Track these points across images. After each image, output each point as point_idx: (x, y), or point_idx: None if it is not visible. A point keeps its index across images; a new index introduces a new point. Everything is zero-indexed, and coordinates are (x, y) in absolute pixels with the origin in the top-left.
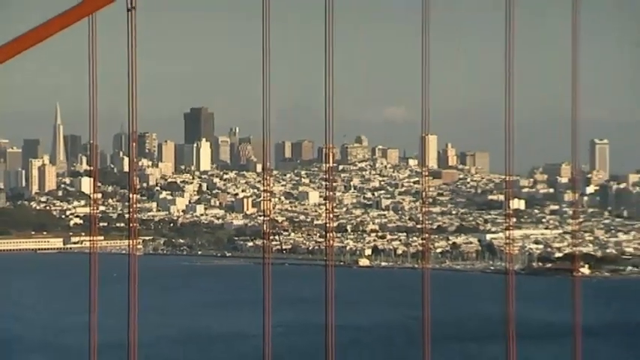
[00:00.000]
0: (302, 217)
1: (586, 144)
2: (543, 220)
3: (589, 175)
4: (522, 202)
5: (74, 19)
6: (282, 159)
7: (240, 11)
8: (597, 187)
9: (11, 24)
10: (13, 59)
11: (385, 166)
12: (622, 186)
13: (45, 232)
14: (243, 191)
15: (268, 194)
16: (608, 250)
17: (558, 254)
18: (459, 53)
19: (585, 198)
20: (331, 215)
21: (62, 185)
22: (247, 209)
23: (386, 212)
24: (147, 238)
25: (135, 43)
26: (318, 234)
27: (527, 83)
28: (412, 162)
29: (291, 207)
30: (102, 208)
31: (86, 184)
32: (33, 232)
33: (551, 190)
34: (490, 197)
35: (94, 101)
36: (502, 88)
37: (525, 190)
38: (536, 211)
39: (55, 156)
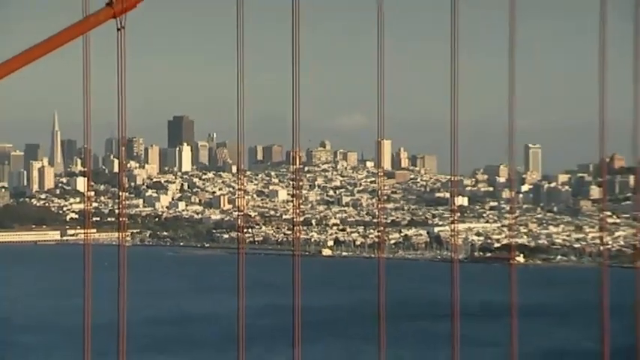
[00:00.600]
0: (272, 213)
1: (521, 148)
2: (484, 214)
3: (524, 176)
4: (465, 199)
5: (69, 38)
6: (254, 161)
7: (220, 30)
8: (531, 186)
9: (10, 23)
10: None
11: (345, 168)
12: (552, 185)
13: (44, 226)
14: (220, 190)
15: (242, 192)
16: (540, 241)
17: (497, 245)
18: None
19: (520, 195)
20: (298, 211)
21: (59, 184)
22: (224, 205)
23: (346, 208)
24: (134, 231)
25: (124, 61)
26: (286, 227)
27: (472, 92)
28: (369, 164)
29: (262, 203)
30: (95, 204)
31: (81, 184)
32: (33, 226)
33: (491, 189)
34: (437, 195)
35: (88, 110)
36: (449, 97)
37: (468, 188)
38: (477, 207)
39: (53, 158)
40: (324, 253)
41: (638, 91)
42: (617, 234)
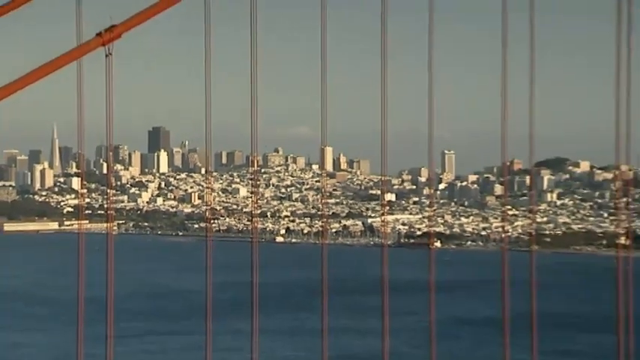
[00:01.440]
0: (234, 207)
1: (438, 154)
2: (408, 208)
3: (440, 176)
4: (393, 195)
5: (64, 63)
6: (219, 164)
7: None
8: (446, 185)
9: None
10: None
11: (295, 170)
12: (464, 184)
13: (45, 218)
14: (191, 188)
15: (210, 190)
16: (454, 230)
17: (419, 232)
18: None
19: (438, 192)
20: (255, 205)
21: (57, 183)
22: (194, 201)
23: (295, 203)
24: (120, 222)
25: (111, 82)
26: (246, 218)
27: (400, 105)
28: (315, 167)
29: (226, 199)
30: (87, 200)
31: (75, 183)
32: (36, 218)
33: (414, 187)
34: (370, 192)
35: (81, 123)
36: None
37: (395, 186)
38: (403, 201)
39: (52, 162)
40: (277, 240)
41: (532, 103)
42: (515, 224)
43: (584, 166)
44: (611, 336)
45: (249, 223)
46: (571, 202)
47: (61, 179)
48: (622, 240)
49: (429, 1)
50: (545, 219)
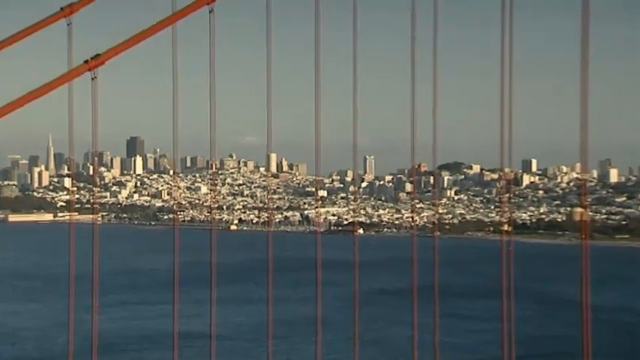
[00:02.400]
0: (196, 201)
1: (361, 158)
2: (336, 202)
3: (363, 177)
4: (325, 192)
5: (58, 85)
6: (185, 167)
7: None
8: (367, 183)
9: (10, 23)
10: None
11: (246, 171)
12: (381, 183)
13: (42, 210)
14: (161, 186)
15: (177, 187)
16: (373, 219)
17: (345, 222)
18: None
19: (360, 189)
20: (214, 200)
21: (52, 183)
22: (164, 196)
23: (246, 198)
24: (103, 213)
25: (96, 101)
26: (206, 211)
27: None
28: (262, 169)
29: (190, 195)
30: (77, 196)
31: (67, 182)
32: (35, 211)
33: (342, 185)
34: (307, 189)
35: (71, 133)
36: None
37: (327, 185)
38: (332, 197)
39: (48, 165)
40: (231, 228)
41: (436, 112)
42: (422, 214)
43: (476, 168)
44: (496, 302)
45: (208, 214)
46: (465, 197)
47: (55, 179)
48: (505, 227)
49: (354, 18)
50: (445, 210)
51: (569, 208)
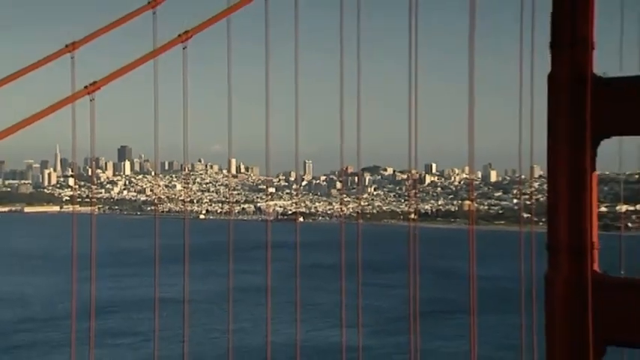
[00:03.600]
0: (173, 196)
1: (302, 162)
2: (283, 197)
3: (303, 177)
4: (273, 188)
5: (60, 107)
6: (163, 169)
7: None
8: (307, 182)
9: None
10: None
11: (212, 173)
12: (317, 182)
13: (50, 203)
14: (145, 184)
15: (157, 185)
16: (311, 210)
17: (290, 212)
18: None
19: (301, 187)
20: (186, 195)
21: (59, 182)
22: (147, 192)
23: (212, 194)
24: (99, 206)
25: (94, 119)
26: (180, 204)
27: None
28: (225, 171)
29: (168, 191)
30: (78, 192)
31: (71, 181)
32: (45, 204)
33: (286, 183)
34: (260, 187)
35: (74, 142)
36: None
37: (275, 183)
38: (280, 192)
39: (56, 168)
40: (200, 217)
41: (360, 119)
42: (349, 206)
43: (390, 170)
44: (405, 273)
45: (182, 206)
46: (382, 192)
47: (62, 179)
48: (412, 215)
49: (295, 40)
50: (366, 203)
51: (460, 201)
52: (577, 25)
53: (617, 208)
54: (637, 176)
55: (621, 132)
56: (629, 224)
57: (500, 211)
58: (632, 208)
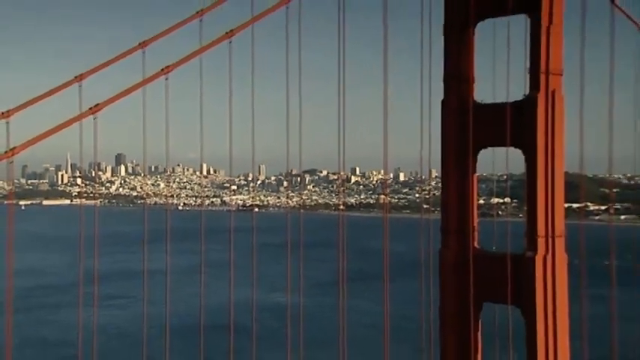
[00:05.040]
0: (158, 192)
1: (257, 166)
2: (242, 192)
3: (258, 177)
4: (235, 186)
5: (71, 123)
6: (150, 171)
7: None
8: (261, 181)
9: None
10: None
11: (189, 174)
12: (269, 181)
13: (63, 198)
14: (136, 183)
15: (146, 184)
16: (264, 203)
17: (248, 204)
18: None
19: (257, 184)
20: (167, 191)
21: (69, 181)
22: (138, 189)
23: (189, 190)
24: (100, 200)
25: (97, 134)
26: (164, 198)
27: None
28: (198, 173)
29: (154, 188)
30: (84, 189)
31: (79, 181)
32: (58, 198)
33: (246, 182)
34: (225, 185)
35: (82, 151)
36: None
37: (237, 182)
38: (240, 189)
39: (67, 170)
40: (179, 209)
41: (301, 133)
42: (294, 199)
43: (324, 172)
44: (334, 251)
45: (165, 200)
46: (318, 189)
47: (71, 179)
48: (341, 207)
49: (251, 54)
50: (307, 197)
51: (377, 195)
52: (462, 64)
53: (491, 200)
54: (505, 177)
55: (493, 144)
56: (500, 212)
57: (407, 203)
58: (501, 200)
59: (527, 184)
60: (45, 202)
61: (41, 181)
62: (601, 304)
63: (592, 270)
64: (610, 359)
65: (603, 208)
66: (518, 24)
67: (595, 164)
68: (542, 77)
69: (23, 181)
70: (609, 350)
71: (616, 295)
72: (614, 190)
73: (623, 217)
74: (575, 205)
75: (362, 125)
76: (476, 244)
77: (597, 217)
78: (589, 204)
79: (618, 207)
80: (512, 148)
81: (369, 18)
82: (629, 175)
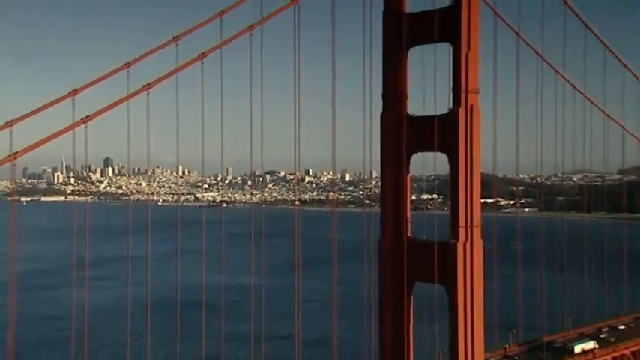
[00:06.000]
0: (140, 190)
1: (225, 167)
2: (212, 191)
3: (226, 177)
4: (207, 185)
5: (65, 132)
6: (134, 172)
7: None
8: (228, 181)
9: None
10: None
11: (167, 175)
12: (234, 181)
13: (58, 195)
14: (122, 183)
15: (130, 183)
16: (237, 199)
17: (218, 200)
18: None
19: (225, 184)
20: (149, 190)
21: (64, 181)
22: (124, 188)
23: (167, 188)
24: (91, 197)
25: (87, 140)
26: (146, 195)
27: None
28: (174, 174)
29: (137, 187)
30: (77, 188)
31: (72, 180)
32: (55, 195)
33: (215, 182)
34: (197, 184)
35: (74, 155)
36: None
37: (208, 181)
38: (211, 188)
39: (62, 171)
40: (159, 204)
41: (262, 140)
42: (256, 196)
43: (282, 173)
44: (291, 239)
45: (146, 197)
46: (277, 188)
47: (66, 179)
48: (296, 202)
49: (220, 70)
50: (267, 194)
51: (326, 193)
52: (398, 83)
53: (422, 196)
54: (432, 177)
55: (423, 150)
56: (429, 207)
57: (352, 199)
58: (430, 197)
59: (450, 183)
60: (43, 199)
61: (40, 180)
62: (509, 281)
63: (502, 253)
64: (516, 325)
65: (511, 202)
66: (444, 50)
67: (505, 167)
68: (463, 95)
69: (24, 180)
70: (515, 317)
71: (521, 274)
72: (520, 188)
73: (527, 210)
74: (489, 201)
75: (314, 133)
76: (409, 233)
77: (507, 210)
78: (500, 199)
79: (523, 202)
80: (438, 153)
81: (323, 42)
82: (532, 175)
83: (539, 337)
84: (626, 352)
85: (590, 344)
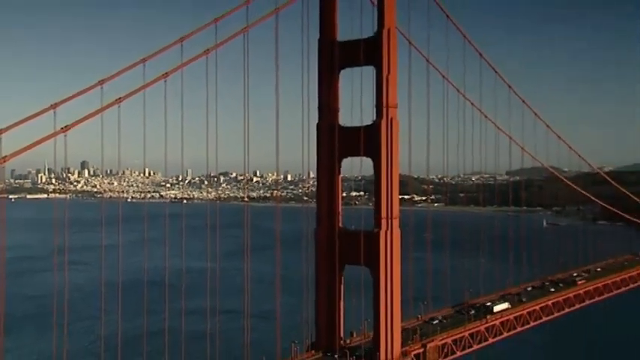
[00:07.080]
0: (112, 189)
1: (185, 169)
2: (174, 189)
3: (186, 177)
4: (169, 184)
5: (49, 138)
6: (107, 174)
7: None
8: (189, 180)
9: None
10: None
11: (135, 175)
12: (194, 180)
13: (41, 193)
14: (96, 182)
15: (103, 182)
16: (191, 196)
17: (179, 197)
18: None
19: (185, 183)
20: (120, 188)
21: (47, 181)
22: (99, 186)
23: (135, 187)
24: (70, 195)
25: (66, 146)
26: (117, 193)
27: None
28: (141, 174)
29: (109, 186)
30: (57, 187)
31: (54, 181)
32: (38, 193)
33: (177, 181)
34: (161, 183)
35: (55, 158)
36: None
37: (170, 181)
38: (173, 187)
39: (45, 173)
40: (128, 200)
41: (217, 145)
42: (211, 194)
43: (234, 174)
44: (241, 230)
45: (118, 194)
46: (230, 187)
47: (48, 179)
48: (246, 198)
49: (209, 83)
50: (221, 192)
51: (271, 191)
52: (331, 98)
53: (351, 193)
54: (360, 177)
55: (352, 155)
56: (357, 202)
57: (293, 196)
58: (358, 194)
59: (374, 182)
60: (28, 196)
61: (25, 180)
62: (421, 263)
63: (416, 240)
64: (426, 298)
65: (423, 198)
66: (369, 72)
67: (418, 168)
68: (384, 109)
69: (12, 180)
70: (425, 293)
71: (431, 257)
72: (430, 186)
73: (436, 204)
74: (406, 197)
75: (261, 139)
76: (340, 224)
77: (420, 205)
78: (414, 196)
79: (433, 197)
80: (365, 158)
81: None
82: (439, 176)
83: (465, 301)
84: (537, 307)
85: (504, 305)
